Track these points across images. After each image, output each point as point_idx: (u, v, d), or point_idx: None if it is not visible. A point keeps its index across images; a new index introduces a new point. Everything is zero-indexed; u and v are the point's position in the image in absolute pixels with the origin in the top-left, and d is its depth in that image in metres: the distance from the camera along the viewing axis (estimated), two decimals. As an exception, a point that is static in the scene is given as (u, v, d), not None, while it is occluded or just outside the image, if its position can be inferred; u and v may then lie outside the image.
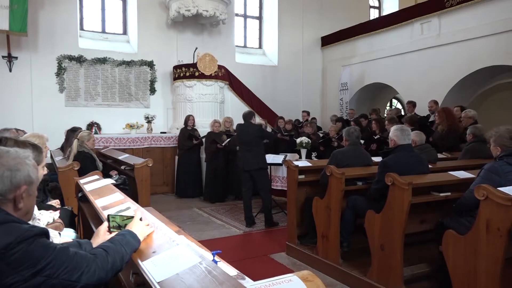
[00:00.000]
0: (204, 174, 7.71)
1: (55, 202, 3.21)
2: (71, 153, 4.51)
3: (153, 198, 5.57)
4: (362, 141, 5.76)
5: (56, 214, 2.64)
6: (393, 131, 3.69)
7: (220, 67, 8.62)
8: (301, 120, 9.53)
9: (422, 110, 7.47)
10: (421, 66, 8.37)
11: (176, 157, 8.32)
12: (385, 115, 9.07)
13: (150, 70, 9.09)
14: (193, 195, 7.72)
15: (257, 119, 7.53)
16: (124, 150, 7.11)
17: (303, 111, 9.62)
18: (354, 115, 8.68)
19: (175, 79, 8.78)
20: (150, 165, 4.62)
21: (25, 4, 7.10)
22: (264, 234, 5.40)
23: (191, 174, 7.73)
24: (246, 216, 5.71)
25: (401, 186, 3.11)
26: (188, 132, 7.69)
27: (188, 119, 7.81)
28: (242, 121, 5.76)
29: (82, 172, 3.99)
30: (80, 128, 5.49)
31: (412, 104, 7.43)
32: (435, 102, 7.03)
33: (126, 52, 8.97)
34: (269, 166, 5.98)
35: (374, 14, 12.99)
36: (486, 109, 9.30)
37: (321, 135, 8.08)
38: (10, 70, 7.73)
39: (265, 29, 11.17)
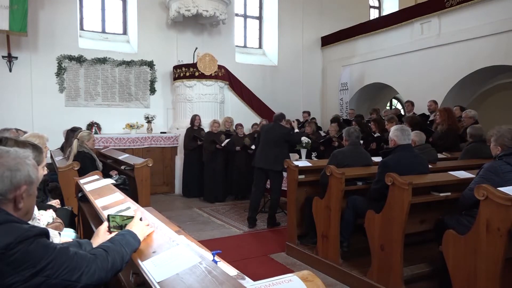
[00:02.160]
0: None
1: (55, 202, 3.21)
2: (71, 153, 4.50)
3: (153, 198, 5.57)
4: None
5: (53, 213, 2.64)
6: (393, 131, 3.69)
7: (220, 67, 8.62)
8: (301, 120, 9.52)
9: (422, 110, 7.47)
10: (421, 66, 8.36)
11: (176, 157, 8.33)
12: (384, 115, 9.05)
13: (150, 70, 9.08)
14: (198, 195, 7.71)
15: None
16: (124, 150, 7.10)
17: (303, 112, 9.62)
18: (354, 115, 8.68)
19: (175, 79, 8.78)
20: (150, 165, 4.63)
21: (25, 4, 7.09)
22: (264, 234, 5.40)
23: (196, 174, 7.71)
24: (249, 216, 5.69)
25: (401, 186, 3.11)
26: (192, 132, 7.67)
27: (194, 119, 7.79)
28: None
29: (82, 172, 3.99)
30: (80, 128, 5.48)
31: (411, 103, 7.45)
32: (435, 102, 7.05)
33: (126, 52, 8.96)
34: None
35: (374, 14, 12.98)
36: (486, 109, 9.28)
37: (323, 134, 8.06)
38: (10, 70, 7.72)
39: (265, 29, 11.17)
